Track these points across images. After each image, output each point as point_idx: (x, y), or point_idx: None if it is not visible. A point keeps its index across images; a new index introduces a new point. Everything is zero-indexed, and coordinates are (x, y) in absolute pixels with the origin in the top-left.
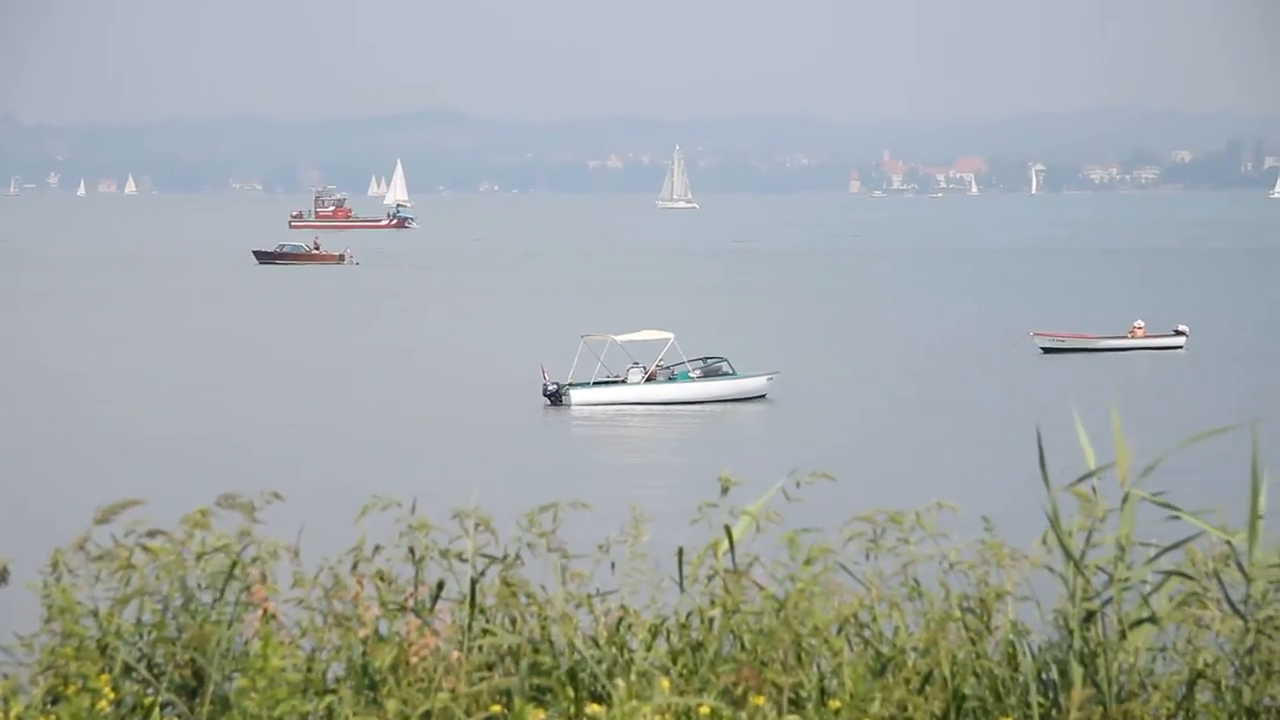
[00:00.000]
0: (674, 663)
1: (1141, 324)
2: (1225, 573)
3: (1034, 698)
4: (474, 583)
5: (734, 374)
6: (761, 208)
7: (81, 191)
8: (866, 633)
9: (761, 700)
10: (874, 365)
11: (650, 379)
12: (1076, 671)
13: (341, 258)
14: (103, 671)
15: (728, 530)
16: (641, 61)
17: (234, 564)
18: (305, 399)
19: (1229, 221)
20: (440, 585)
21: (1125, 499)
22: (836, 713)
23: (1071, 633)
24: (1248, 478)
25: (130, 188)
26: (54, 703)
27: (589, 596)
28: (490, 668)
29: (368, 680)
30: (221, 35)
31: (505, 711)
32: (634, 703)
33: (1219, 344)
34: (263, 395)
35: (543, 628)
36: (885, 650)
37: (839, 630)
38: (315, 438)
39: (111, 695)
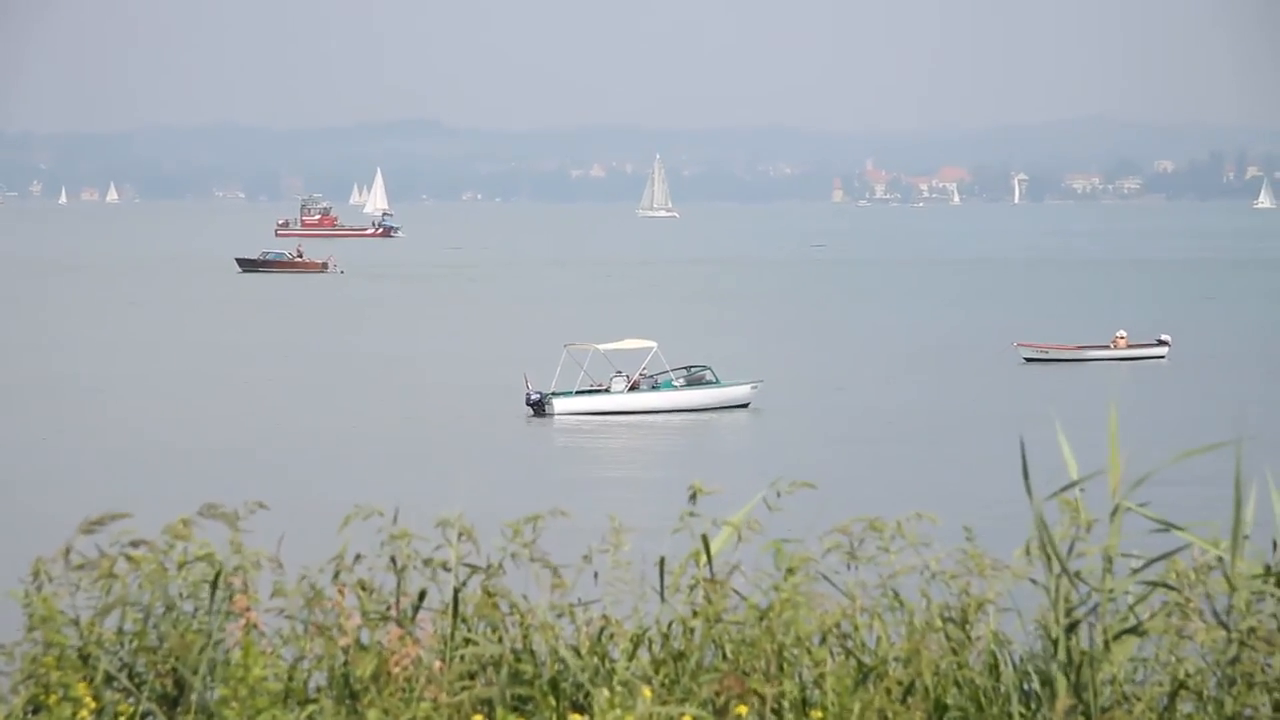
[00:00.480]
0: (656, 672)
1: (1124, 334)
2: (1209, 584)
3: (1015, 708)
4: (456, 592)
5: (717, 383)
6: (743, 216)
7: (63, 200)
8: (849, 643)
9: (744, 710)
10: (858, 374)
11: (633, 388)
12: (1060, 681)
13: (324, 266)
14: (84, 681)
15: (705, 540)
16: (625, 71)
17: (216, 573)
18: (287, 408)
19: (1211, 232)
20: (422, 595)
21: (1115, 510)
22: None
23: (1055, 642)
24: (1230, 490)
25: (112, 196)
26: (35, 712)
27: (571, 606)
28: (472, 677)
29: (349, 690)
30: (204, 43)
31: None
32: (616, 712)
33: (1201, 354)
34: (245, 404)
35: (525, 637)
36: (867, 660)
37: (821, 640)
38: (297, 446)
39: (93, 704)
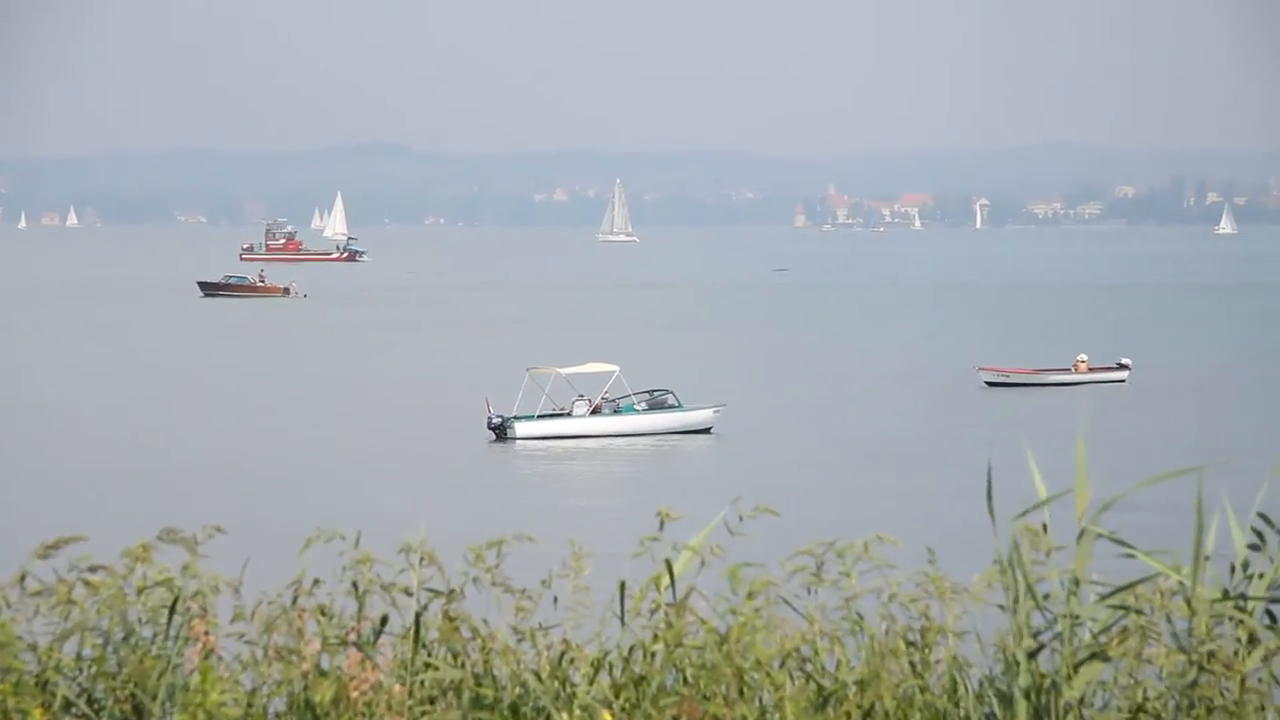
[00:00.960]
0: (616, 696)
1: (1085, 358)
2: (1170, 608)
3: None
4: (418, 617)
5: (680, 406)
6: (704, 241)
7: (23, 224)
8: (808, 666)
9: None
10: (820, 398)
11: (595, 412)
12: (1021, 705)
13: (287, 290)
14: (42, 707)
15: (668, 564)
16: (588, 95)
17: (175, 598)
18: (247, 431)
19: (1171, 257)
20: (384, 619)
21: (1082, 534)
22: None
23: (1017, 664)
24: (1190, 515)
25: (72, 220)
26: None
27: (532, 630)
28: (433, 702)
29: (309, 715)
30: (164, 67)
31: None
32: None
33: (1161, 378)
34: (204, 427)
35: (486, 661)
36: (827, 684)
37: (781, 664)
38: (258, 470)
39: None
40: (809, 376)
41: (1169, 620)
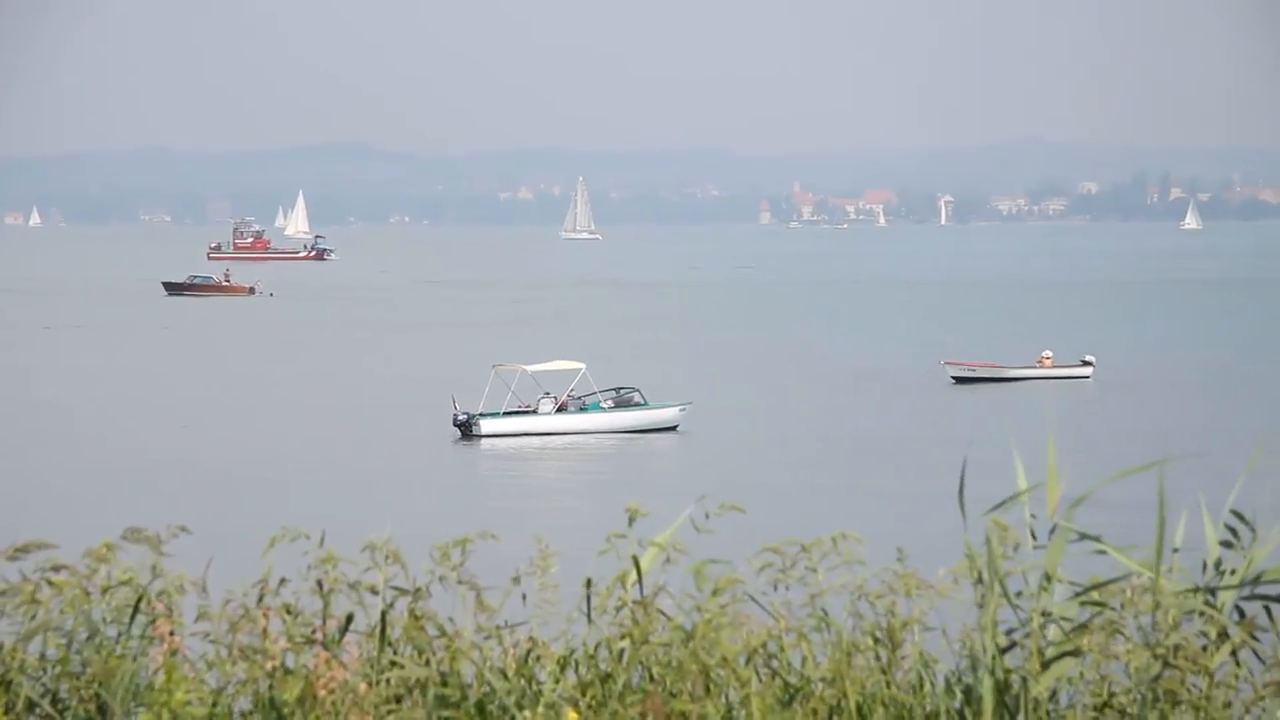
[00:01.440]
0: (583, 694)
1: (1049, 354)
2: (1138, 603)
3: None
4: (383, 615)
5: (646, 404)
6: (668, 239)
7: None
8: (774, 663)
9: None
10: (786, 396)
11: (561, 409)
12: (989, 701)
13: (252, 290)
14: (5, 707)
15: (635, 561)
16: (553, 94)
17: (139, 598)
18: (211, 430)
19: (1137, 253)
20: (349, 618)
21: (1054, 530)
22: None
23: (991, 659)
24: (1150, 511)
25: (35, 220)
26: None
27: (498, 628)
28: (399, 700)
29: (275, 714)
30: (128, 66)
31: None
32: None
33: (1125, 374)
34: (169, 427)
35: (451, 660)
36: (793, 681)
37: (747, 661)
38: (223, 470)
39: None
40: (775, 374)
41: (1135, 617)
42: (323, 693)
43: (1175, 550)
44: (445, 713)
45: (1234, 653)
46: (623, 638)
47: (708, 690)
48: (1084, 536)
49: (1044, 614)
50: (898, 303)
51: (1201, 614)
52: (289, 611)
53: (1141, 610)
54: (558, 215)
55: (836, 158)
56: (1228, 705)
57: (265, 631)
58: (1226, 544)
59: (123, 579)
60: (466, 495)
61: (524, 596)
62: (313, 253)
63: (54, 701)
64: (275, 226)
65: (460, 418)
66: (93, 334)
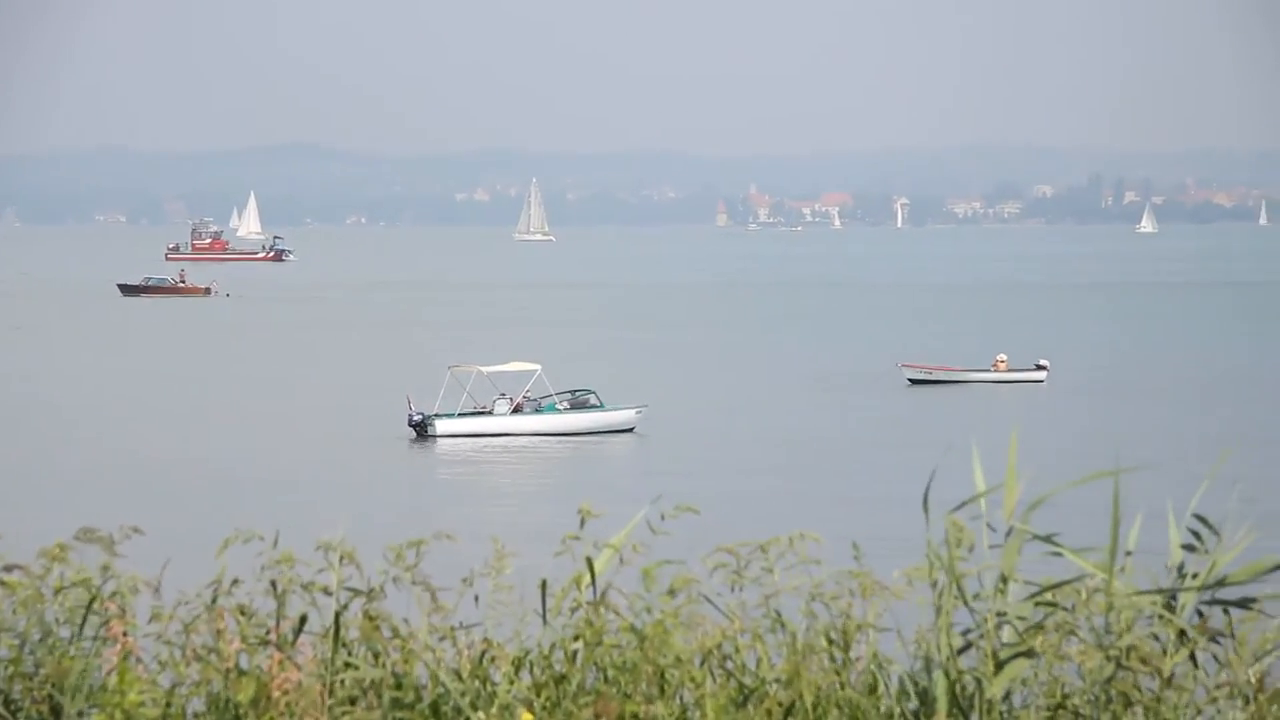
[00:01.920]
0: (537, 695)
1: (1004, 357)
2: (1093, 605)
3: None
4: (337, 616)
5: (601, 406)
6: (621, 240)
7: None
8: (729, 664)
9: None
10: (742, 398)
11: (517, 410)
12: (942, 702)
13: (208, 290)
14: None
15: (589, 562)
16: (509, 95)
17: (92, 598)
18: (166, 431)
19: (1095, 255)
20: (303, 619)
21: (1010, 532)
22: None
23: (946, 660)
24: (1104, 514)
25: None
26: None
27: (453, 629)
28: (353, 701)
29: (228, 715)
30: (82, 66)
31: None
32: None
33: (1079, 378)
34: (123, 427)
35: (406, 661)
36: (748, 682)
37: (702, 662)
38: (177, 471)
39: None
40: (731, 376)
41: (1088, 619)
42: (277, 694)
43: (1129, 554)
44: (400, 714)
45: (1192, 655)
46: (576, 638)
47: (662, 691)
48: (1040, 538)
49: (999, 615)
50: (855, 305)
51: (1161, 617)
52: (243, 612)
53: (1096, 612)
54: (514, 216)
55: (793, 160)
56: (1185, 707)
57: (219, 632)
58: (1189, 547)
59: (76, 579)
60: (421, 496)
61: (476, 598)
62: (271, 253)
63: (6, 703)
64: (230, 227)
65: (415, 418)
66: (47, 335)
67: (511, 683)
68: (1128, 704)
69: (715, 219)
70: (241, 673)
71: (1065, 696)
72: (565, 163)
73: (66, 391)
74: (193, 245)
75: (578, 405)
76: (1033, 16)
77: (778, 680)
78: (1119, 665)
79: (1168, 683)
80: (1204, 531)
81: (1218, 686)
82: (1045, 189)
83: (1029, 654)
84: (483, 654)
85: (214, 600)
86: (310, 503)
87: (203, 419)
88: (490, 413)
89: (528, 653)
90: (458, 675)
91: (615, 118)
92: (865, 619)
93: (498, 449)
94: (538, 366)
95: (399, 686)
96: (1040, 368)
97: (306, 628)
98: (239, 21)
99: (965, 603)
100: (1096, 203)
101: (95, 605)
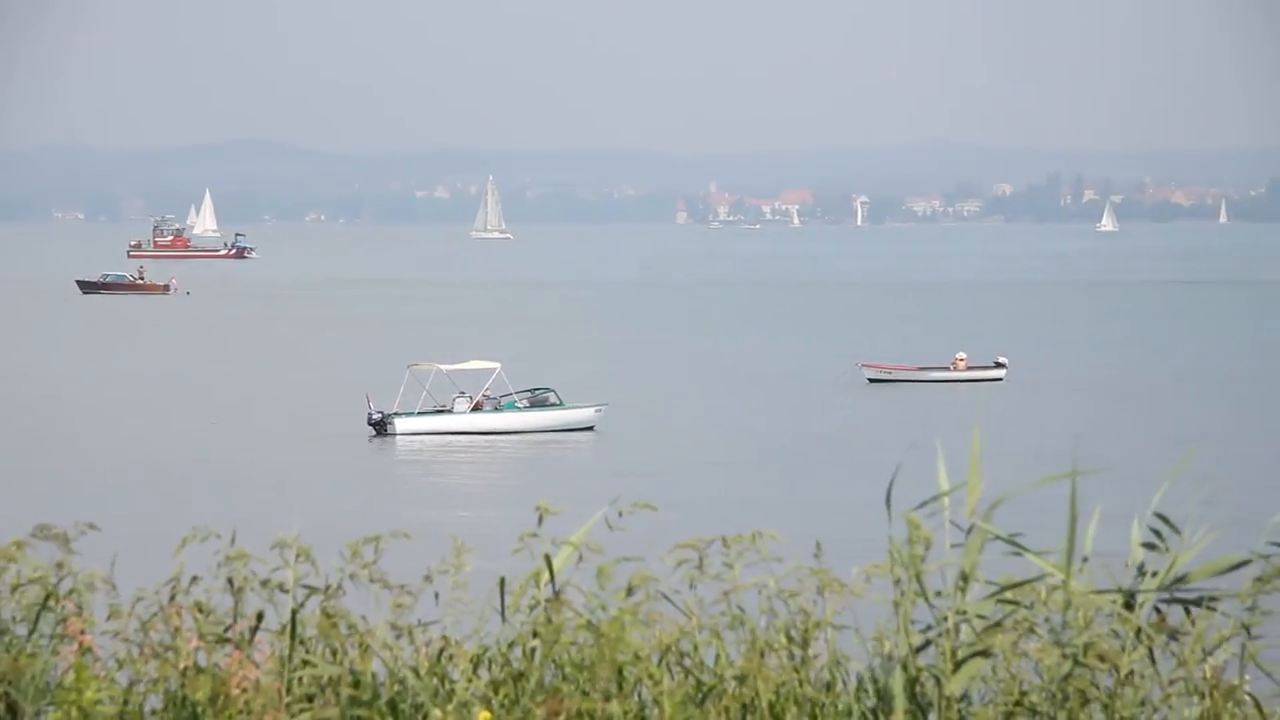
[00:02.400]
0: (495, 692)
1: (963, 356)
2: (1052, 603)
3: None
4: (294, 613)
5: (561, 404)
6: (580, 238)
7: None
8: (687, 661)
9: None
10: (702, 397)
11: (477, 408)
12: (900, 700)
13: (166, 288)
14: None
15: (547, 559)
16: (468, 93)
17: (48, 596)
18: (123, 429)
19: (1056, 254)
20: (260, 616)
21: (970, 530)
22: None
23: (905, 658)
24: (1078, 513)
25: None
26: None
27: (410, 627)
28: (311, 699)
29: (186, 712)
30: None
31: None
32: None
33: (1037, 376)
34: (80, 424)
35: (363, 658)
36: (706, 679)
37: (660, 659)
38: (134, 468)
39: None
40: (691, 375)
41: (1046, 618)
42: (235, 691)
43: (1086, 559)
44: (358, 711)
45: (1150, 652)
46: (534, 636)
47: (620, 688)
48: (1000, 538)
49: (959, 613)
50: (814, 304)
51: (1121, 616)
52: (201, 610)
53: (1055, 610)
54: (472, 214)
55: (753, 158)
56: (1142, 704)
57: (177, 630)
58: (1150, 546)
59: (32, 577)
60: (380, 494)
61: (436, 595)
62: (233, 250)
63: None
64: (187, 224)
65: (375, 417)
66: (4, 333)
67: (470, 680)
68: (1084, 701)
69: (675, 217)
70: (199, 670)
71: (1024, 694)
72: (525, 160)
73: (21, 388)
74: (155, 242)
75: (537, 403)
76: (991, 18)
77: (736, 677)
78: (1076, 662)
79: (1126, 680)
80: (1165, 530)
81: (1171, 682)
82: (1005, 187)
83: (985, 653)
84: (441, 651)
85: (172, 598)
86: (269, 501)
87: (160, 416)
88: (450, 411)
89: (486, 650)
90: (416, 673)
91: (575, 116)
92: (824, 617)
93: (457, 447)
94: (497, 365)
95: (357, 684)
96: (999, 365)
97: (264, 625)
98: (194, 18)
99: (926, 600)
100: (1055, 201)
101: (51, 603)
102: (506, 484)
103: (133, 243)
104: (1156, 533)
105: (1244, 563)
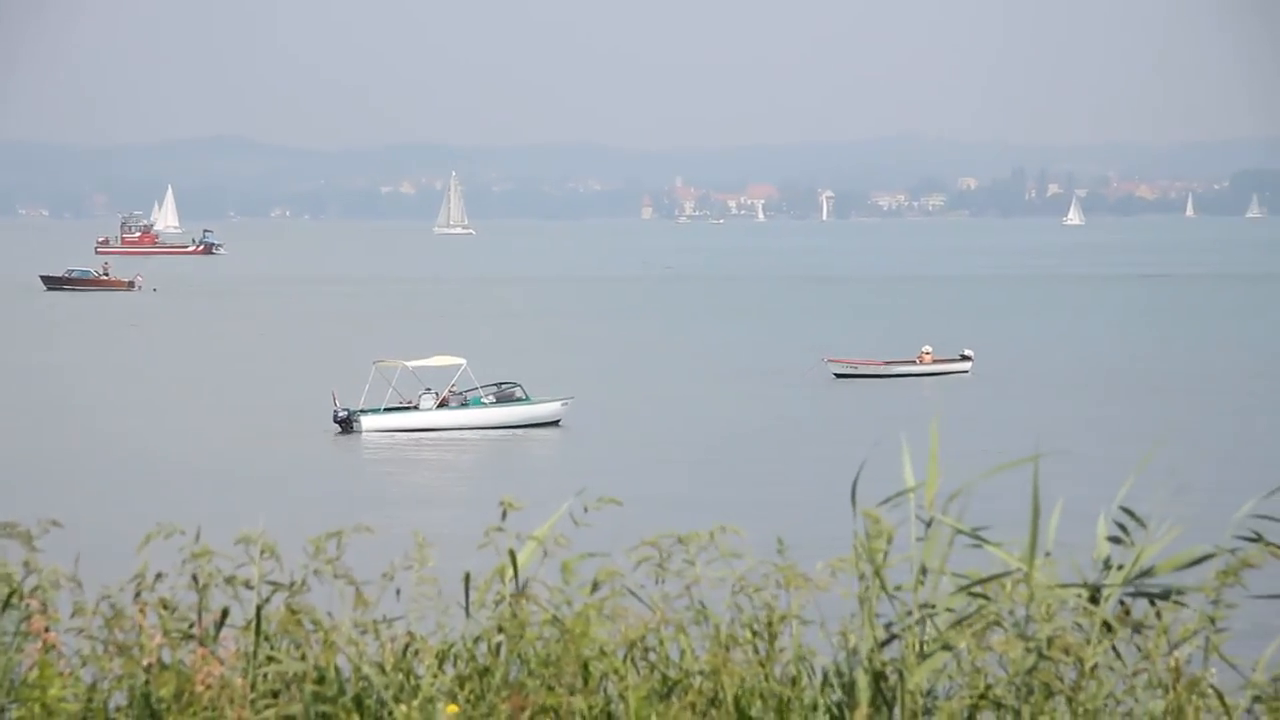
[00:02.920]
0: (461, 688)
1: (929, 349)
2: (1014, 596)
3: (820, 719)
4: (259, 610)
5: (527, 399)
6: (544, 233)
7: None
8: (652, 656)
9: None
10: (668, 392)
11: (443, 405)
12: (865, 694)
13: (132, 284)
14: None
15: (512, 555)
16: (434, 88)
17: (12, 593)
18: (88, 424)
19: (1024, 248)
20: (225, 613)
21: (930, 523)
22: None
23: (869, 652)
24: (1041, 504)
25: None
26: None
27: (375, 622)
28: (275, 695)
29: (150, 709)
30: None
31: None
32: None
33: (1004, 368)
34: (44, 422)
35: (328, 654)
36: (671, 674)
37: (625, 654)
38: (99, 465)
39: None
40: (657, 369)
41: (1010, 612)
42: (200, 688)
43: (1048, 552)
44: (322, 707)
45: (1114, 646)
46: (499, 630)
47: (585, 683)
48: (961, 531)
49: (924, 607)
50: (780, 299)
51: (1086, 609)
52: (166, 606)
53: (1019, 602)
54: (437, 210)
55: (719, 152)
56: (1106, 697)
57: (141, 627)
58: (1115, 539)
59: None
60: (346, 491)
61: (399, 591)
62: (200, 247)
63: None
64: (150, 220)
65: (341, 414)
66: None
67: (435, 675)
68: (1049, 694)
69: (641, 212)
70: (164, 667)
71: (989, 687)
72: (489, 156)
73: None
74: (122, 239)
75: (503, 399)
76: (954, 11)
77: (701, 672)
78: (1040, 656)
79: (1090, 673)
80: (1130, 524)
81: (1135, 675)
82: (969, 181)
83: (948, 647)
84: (406, 647)
85: (136, 595)
86: (234, 498)
87: (125, 412)
88: (416, 407)
89: (451, 645)
90: (381, 668)
91: (539, 110)
92: (789, 611)
93: (423, 443)
94: (463, 360)
95: (321, 680)
96: (965, 358)
97: (229, 622)
98: (155, 14)
99: (887, 594)
100: (1020, 195)
101: (15, 600)
102: (472, 479)
103: (100, 239)
104: (1122, 526)
105: (1209, 556)
